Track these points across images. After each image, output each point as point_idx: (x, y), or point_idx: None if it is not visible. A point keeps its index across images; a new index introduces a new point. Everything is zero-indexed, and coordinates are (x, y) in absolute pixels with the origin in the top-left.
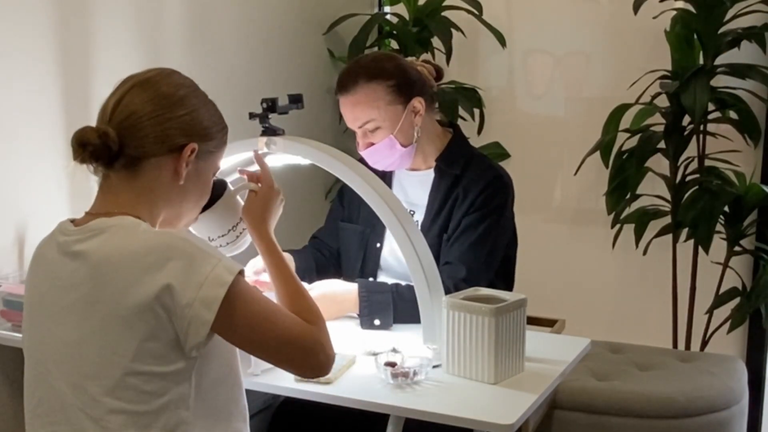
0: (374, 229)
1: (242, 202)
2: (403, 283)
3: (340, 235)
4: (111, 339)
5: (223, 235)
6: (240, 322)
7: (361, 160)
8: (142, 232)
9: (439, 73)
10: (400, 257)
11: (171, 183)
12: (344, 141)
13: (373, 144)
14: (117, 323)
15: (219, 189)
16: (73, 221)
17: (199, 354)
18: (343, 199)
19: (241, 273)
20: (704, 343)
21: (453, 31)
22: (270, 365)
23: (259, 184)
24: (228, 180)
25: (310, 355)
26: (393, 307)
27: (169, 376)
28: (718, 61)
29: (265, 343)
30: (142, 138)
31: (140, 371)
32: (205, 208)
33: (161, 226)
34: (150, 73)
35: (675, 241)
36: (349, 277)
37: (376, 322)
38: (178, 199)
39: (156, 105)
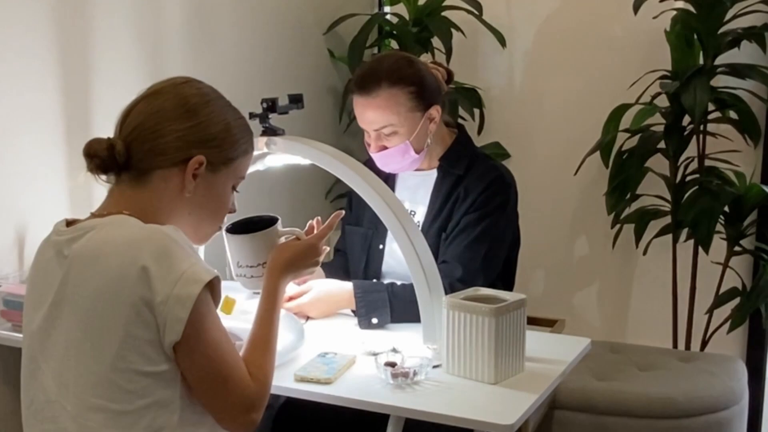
0: (377, 230)
1: (300, 237)
2: (399, 282)
3: (346, 238)
4: (94, 334)
5: (250, 266)
6: (204, 329)
7: (366, 162)
8: (129, 226)
9: (450, 76)
10: (401, 259)
11: (178, 195)
12: (344, 141)
13: (386, 147)
14: (100, 318)
15: (269, 222)
16: (69, 222)
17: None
18: (351, 203)
19: (217, 280)
20: (704, 343)
21: (453, 31)
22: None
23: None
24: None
25: (235, 409)
26: (389, 305)
27: (153, 377)
28: (718, 61)
29: (204, 371)
30: (149, 150)
31: (123, 368)
32: (245, 231)
33: None
34: (162, 84)
35: (675, 241)
36: (353, 279)
37: (374, 320)
38: (186, 211)
39: (160, 118)
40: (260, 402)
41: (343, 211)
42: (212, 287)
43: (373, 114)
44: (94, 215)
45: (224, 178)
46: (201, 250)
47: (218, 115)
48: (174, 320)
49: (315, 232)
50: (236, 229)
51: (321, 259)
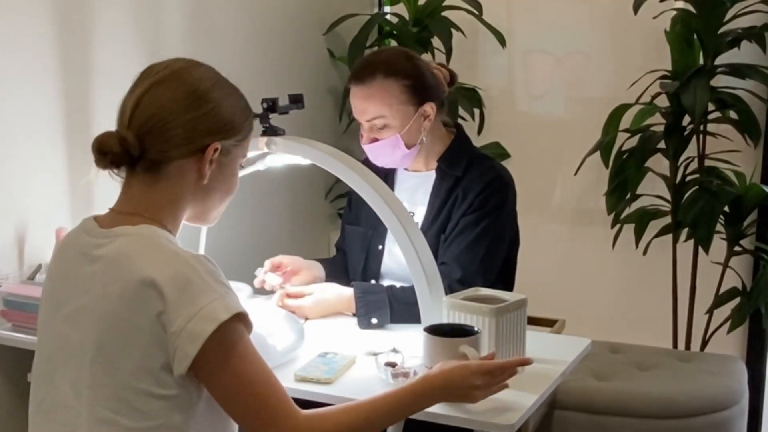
0: (376, 231)
1: (469, 358)
2: (398, 284)
3: (346, 238)
4: (114, 350)
5: (426, 366)
6: (220, 368)
7: (365, 161)
8: (160, 245)
9: (453, 79)
10: (400, 260)
11: (195, 184)
12: (344, 141)
13: (377, 140)
14: (120, 335)
15: (467, 332)
16: (96, 219)
17: (197, 389)
18: (351, 203)
19: (240, 317)
20: (704, 343)
21: (453, 31)
22: (272, 365)
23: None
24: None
25: None
26: (389, 306)
27: (165, 400)
28: (718, 61)
29: (234, 401)
30: (165, 142)
31: (137, 388)
32: (439, 333)
33: (190, 222)
34: (170, 67)
35: (675, 241)
36: (352, 279)
37: (374, 320)
38: (202, 198)
39: (177, 105)
40: None
41: (531, 359)
42: (240, 319)
43: (365, 104)
44: (117, 212)
45: (235, 158)
46: (203, 239)
47: (226, 97)
48: (182, 354)
49: (489, 357)
50: (434, 328)
51: (481, 393)
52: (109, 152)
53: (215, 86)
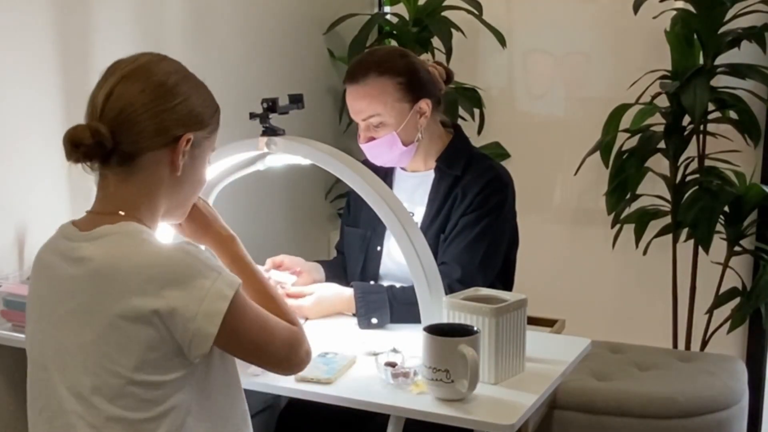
0: (375, 231)
1: (468, 358)
2: (398, 285)
3: (345, 239)
4: (111, 349)
5: (434, 368)
6: (240, 333)
7: (365, 162)
8: (146, 242)
9: (449, 76)
10: (399, 261)
11: (169, 176)
12: (344, 141)
13: (374, 138)
14: (116, 333)
15: (467, 331)
16: (74, 223)
17: (201, 362)
18: (349, 205)
19: (240, 286)
20: (704, 343)
21: (453, 31)
22: None
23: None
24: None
25: (295, 355)
26: (389, 306)
27: (169, 384)
28: (718, 61)
29: (260, 350)
30: (138, 133)
31: (141, 381)
32: (437, 333)
33: (163, 218)
34: (138, 61)
35: (675, 241)
36: (351, 281)
37: (374, 320)
38: (176, 190)
39: (149, 96)
40: (302, 335)
41: None
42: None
43: (359, 103)
44: (95, 213)
45: (205, 151)
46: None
47: (194, 90)
48: (203, 336)
49: None
50: (434, 328)
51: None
52: (81, 144)
53: (184, 80)
